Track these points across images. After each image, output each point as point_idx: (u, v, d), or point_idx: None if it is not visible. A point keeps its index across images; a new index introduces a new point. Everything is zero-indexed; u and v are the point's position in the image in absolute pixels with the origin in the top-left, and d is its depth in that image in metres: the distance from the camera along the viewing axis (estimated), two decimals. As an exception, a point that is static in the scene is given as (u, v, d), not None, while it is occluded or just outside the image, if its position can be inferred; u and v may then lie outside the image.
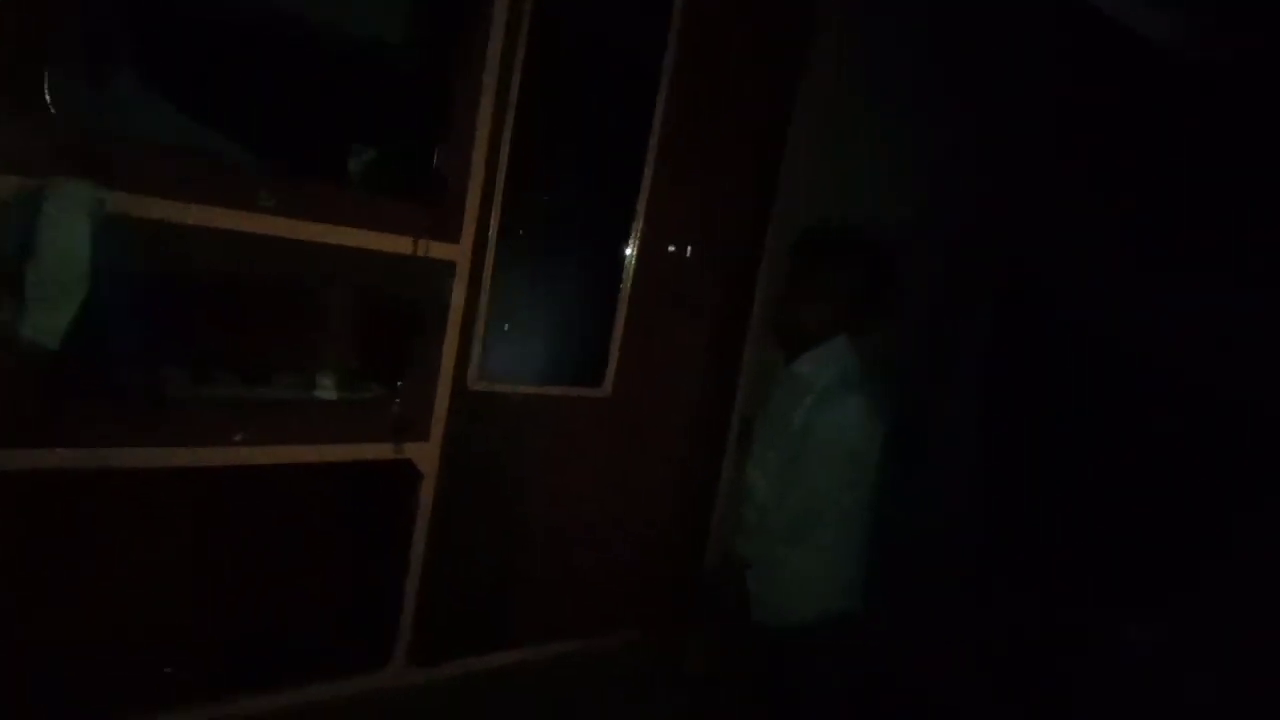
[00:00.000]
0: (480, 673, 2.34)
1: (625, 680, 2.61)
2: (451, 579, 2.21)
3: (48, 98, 1.52)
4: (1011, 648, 2.95)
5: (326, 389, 1.96)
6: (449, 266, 2.04)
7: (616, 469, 2.54)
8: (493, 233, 2.10)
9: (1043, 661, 2.86)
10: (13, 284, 1.49)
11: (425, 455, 2.09)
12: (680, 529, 2.75)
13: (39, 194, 1.49)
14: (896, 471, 2.13)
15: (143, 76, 1.80)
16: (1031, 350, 3.19)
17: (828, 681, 2.33)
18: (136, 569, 2.10)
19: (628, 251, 2.41)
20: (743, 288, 2.70)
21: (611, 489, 2.54)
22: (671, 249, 2.51)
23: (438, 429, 2.10)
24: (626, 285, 2.41)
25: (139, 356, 1.76)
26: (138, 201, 1.60)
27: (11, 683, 1.73)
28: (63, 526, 1.92)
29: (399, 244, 1.94)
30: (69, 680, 1.82)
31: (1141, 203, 2.97)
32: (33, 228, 1.48)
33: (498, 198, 2.09)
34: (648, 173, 2.38)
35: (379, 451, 2.02)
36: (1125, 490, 2.92)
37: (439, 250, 2.01)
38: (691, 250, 2.55)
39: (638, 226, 2.40)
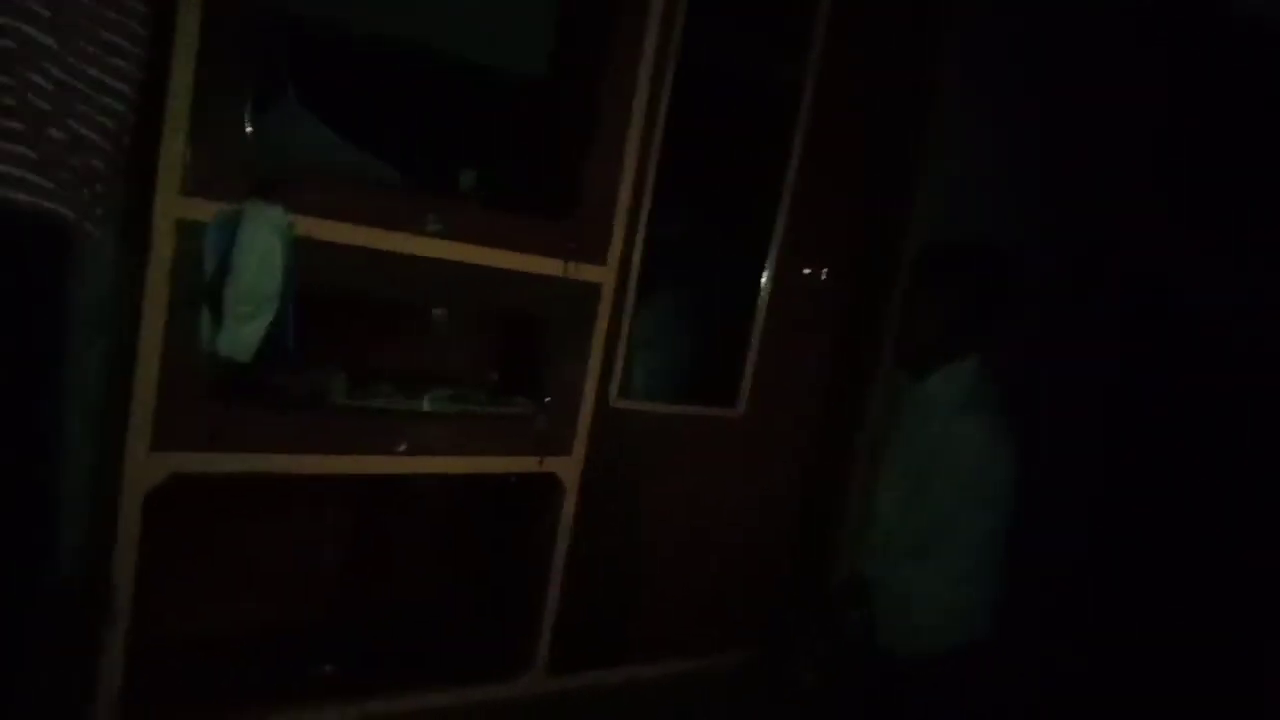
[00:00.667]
0: (609, 685, 2.38)
1: (741, 698, 2.61)
2: (587, 591, 2.26)
3: (248, 128, 1.64)
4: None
5: (478, 403, 2.04)
6: (595, 289, 2.10)
7: (746, 488, 2.55)
8: (637, 256, 2.16)
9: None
10: (213, 302, 1.62)
11: (568, 469, 2.15)
12: (806, 549, 2.75)
13: (237, 217, 1.61)
14: (1025, 494, 2.07)
15: (306, 105, 1.93)
16: (1167, 363, 3.05)
17: (949, 714, 2.28)
18: (295, 568, 2.25)
19: (764, 274, 2.43)
20: (875, 309, 2.68)
21: (740, 507, 2.56)
22: (806, 271, 2.51)
23: (580, 445, 2.16)
24: (762, 307, 2.43)
25: (308, 368, 1.88)
26: (317, 225, 1.71)
27: (165, 674, 1.85)
28: (228, 526, 2.08)
29: (549, 266, 2.01)
30: (219, 672, 1.96)
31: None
32: (231, 248, 1.61)
33: (642, 222, 2.15)
34: (785, 197, 2.40)
35: (525, 464, 2.08)
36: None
37: (587, 273, 2.07)
38: (826, 273, 2.55)
39: (774, 249, 2.42)
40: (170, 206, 1.58)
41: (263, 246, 1.61)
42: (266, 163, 1.65)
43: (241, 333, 1.62)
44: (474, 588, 2.31)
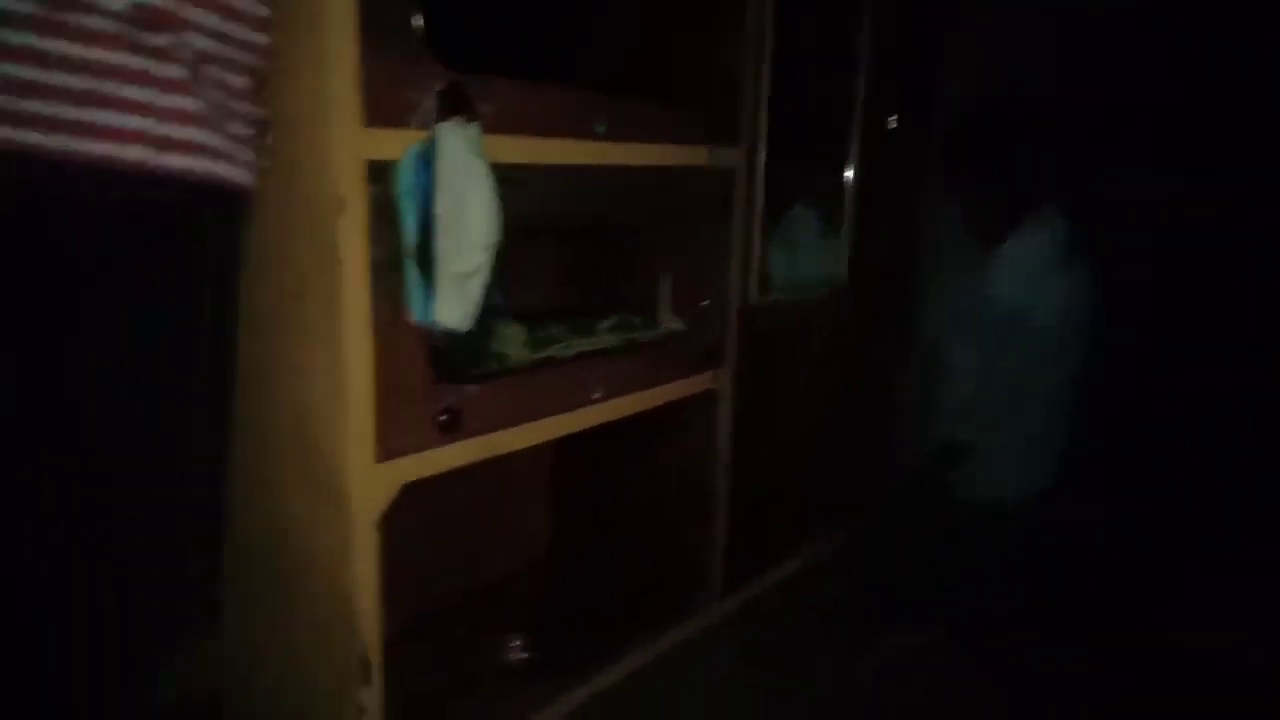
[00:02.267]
0: (772, 587, 2.29)
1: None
2: (746, 501, 2.12)
3: (424, 41, 1.25)
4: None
5: (644, 329, 1.79)
6: (730, 175, 1.86)
7: (859, 363, 2.46)
8: (762, 135, 1.92)
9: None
10: (423, 260, 1.25)
11: (722, 380, 1.96)
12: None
13: (429, 147, 1.24)
14: (1098, 351, 2.14)
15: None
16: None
17: (1016, 552, 2.38)
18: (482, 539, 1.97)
19: (850, 147, 2.26)
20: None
21: (852, 384, 2.48)
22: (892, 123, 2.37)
23: (730, 350, 1.96)
24: (852, 172, 2.28)
25: (484, 319, 1.54)
26: (493, 142, 1.36)
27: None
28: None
29: (695, 155, 1.75)
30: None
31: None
32: (432, 187, 1.24)
33: (764, 98, 1.91)
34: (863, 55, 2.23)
35: (701, 384, 1.87)
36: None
37: (724, 157, 1.82)
38: (894, 120, 2.40)
39: (858, 109, 2.25)
40: (353, 143, 1.18)
41: (478, 180, 1.25)
42: (450, 77, 1.27)
43: (463, 294, 1.28)
44: (656, 526, 2.09)
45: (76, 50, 0.88)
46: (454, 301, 1.27)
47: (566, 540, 2.19)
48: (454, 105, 1.27)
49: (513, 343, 1.55)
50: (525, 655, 1.82)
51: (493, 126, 1.34)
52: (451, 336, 1.33)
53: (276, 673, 1.50)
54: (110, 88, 0.90)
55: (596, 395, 1.62)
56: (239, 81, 1.05)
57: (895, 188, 2.47)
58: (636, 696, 1.83)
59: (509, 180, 1.39)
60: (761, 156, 1.93)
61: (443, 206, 1.24)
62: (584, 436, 1.74)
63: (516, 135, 1.40)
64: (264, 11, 1.07)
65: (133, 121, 0.91)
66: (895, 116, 2.35)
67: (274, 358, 1.32)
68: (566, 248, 1.99)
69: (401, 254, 1.25)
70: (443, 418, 1.34)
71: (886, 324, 2.58)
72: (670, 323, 1.87)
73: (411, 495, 1.35)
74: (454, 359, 1.37)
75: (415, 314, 1.28)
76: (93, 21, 0.88)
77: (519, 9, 1.79)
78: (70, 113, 0.88)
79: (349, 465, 1.25)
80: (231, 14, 1.01)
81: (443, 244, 1.25)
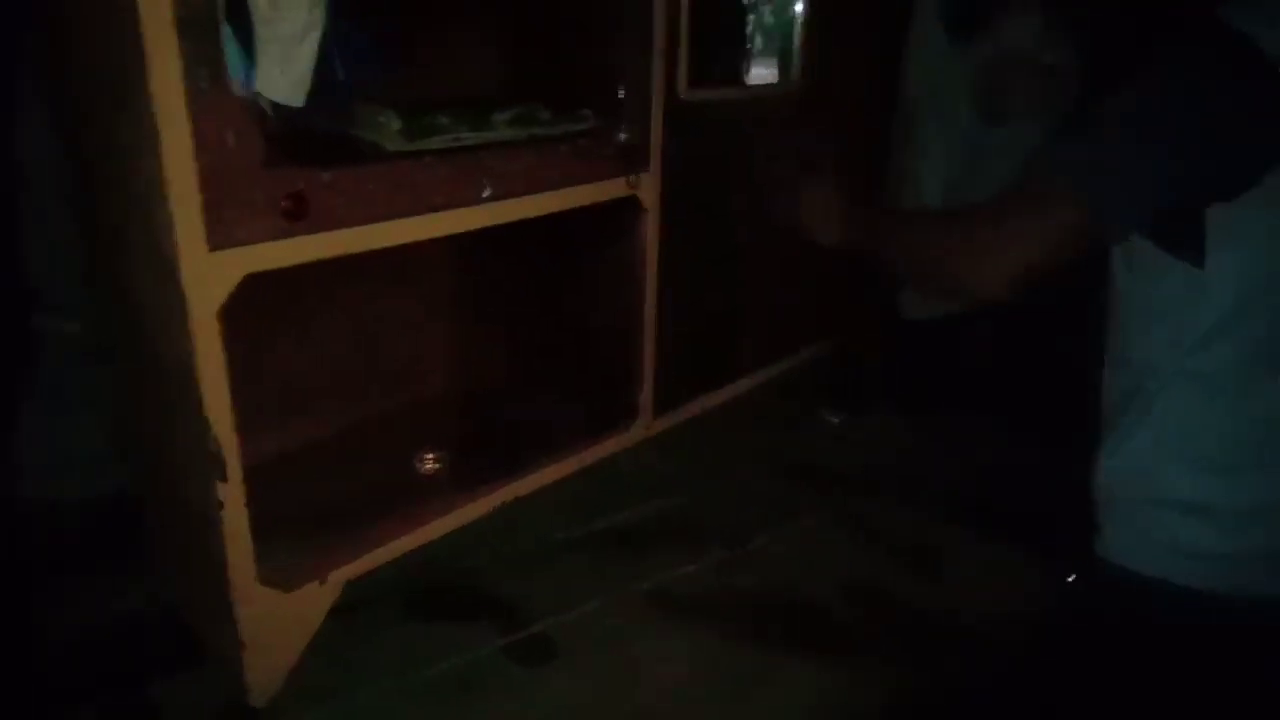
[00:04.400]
0: (712, 411, 2.23)
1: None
2: (679, 319, 2.02)
3: None
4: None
5: (548, 123, 1.64)
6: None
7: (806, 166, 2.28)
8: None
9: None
10: (236, 19, 1.11)
11: (647, 186, 1.82)
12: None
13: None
14: None
15: None
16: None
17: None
18: (374, 354, 1.92)
19: None
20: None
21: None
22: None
23: (655, 153, 1.81)
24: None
25: (347, 100, 1.41)
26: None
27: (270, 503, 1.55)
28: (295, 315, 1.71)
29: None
30: (321, 487, 1.66)
31: None
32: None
33: None
34: None
35: (615, 189, 1.73)
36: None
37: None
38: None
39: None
40: None
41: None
42: None
43: (289, 60, 1.14)
44: (574, 341, 2.02)
45: None
46: (277, 68, 1.14)
47: (490, 357, 2.12)
48: None
49: (385, 131, 1.41)
50: (437, 467, 1.79)
51: None
52: (296, 112, 1.21)
53: (170, 473, 1.47)
54: None
55: (486, 194, 1.50)
56: None
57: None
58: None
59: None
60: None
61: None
62: (498, 244, 1.64)
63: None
64: None
65: None
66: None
67: (112, 139, 1.21)
68: (483, 27, 1.80)
69: (215, 9, 1.11)
70: (285, 204, 1.23)
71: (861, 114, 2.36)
72: (581, 120, 1.70)
73: (307, 302, 1.27)
74: (300, 138, 1.25)
75: (238, 85, 1.15)
76: None
77: None
78: None
79: (181, 254, 1.16)
80: None
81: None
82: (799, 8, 2.06)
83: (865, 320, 2.52)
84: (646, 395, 2.00)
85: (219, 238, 1.18)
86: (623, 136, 1.72)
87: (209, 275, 1.18)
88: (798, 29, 2.07)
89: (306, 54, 1.14)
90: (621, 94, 1.70)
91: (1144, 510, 0.95)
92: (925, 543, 1.97)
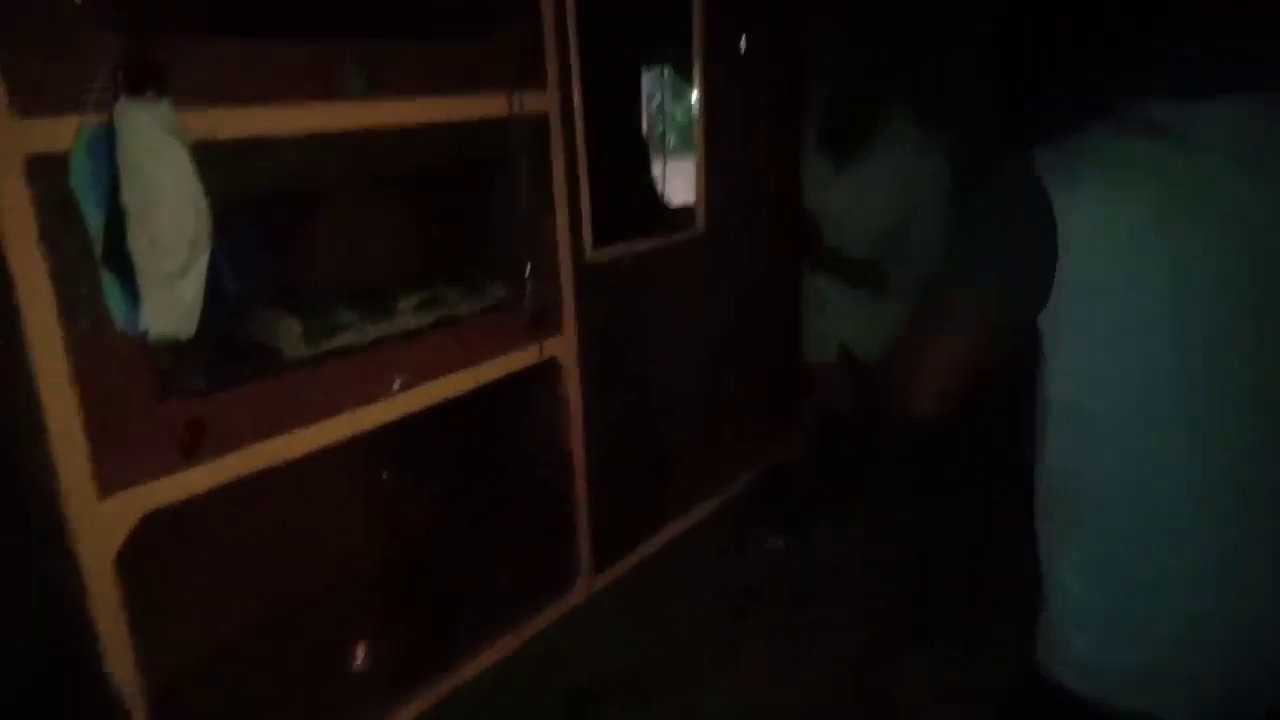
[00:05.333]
0: (650, 556, 2.18)
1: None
2: (610, 472, 1.99)
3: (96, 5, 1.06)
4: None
5: (454, 303, 1.63)
6: (542, 121, 1.68)
7: (716, 310, 2.30)
8: (575, 74, 1.74)
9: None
10: (116, 261, 1.08)
11: (563, 347, 1.81)
12: (779, 355, 2.58)
13: (108, 132, 1.06)
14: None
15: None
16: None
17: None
18: (300, 548, 1.82)
19: (694, 94, 2.08)
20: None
21: (715, 333, 2.32)
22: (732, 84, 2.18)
23: (569, 315, 1.81)
24: (699, 125, 2.10)
25: (248, 311, 1.38)
26: (210, 118, 1.18)
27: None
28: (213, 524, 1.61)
29: (495, 106, 1.57)
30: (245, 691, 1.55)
31: None
32: (115, 178, 1.06)
33: (572, 36, 1.71)
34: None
35: (527, 358, 1.72)
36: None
37: (531, 103, 1.64)
38: (745, 41, 2.21)
39: (698, 66, 2.06)
40: (4, 138, 1.00)
41: (173, 165, 1.07)
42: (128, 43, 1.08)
43: (173, 297, 1.11)
44: (509, 512, 1.96)
45: None
46: (163, 305, 1.10)
47: (419, 531, 2.05)
48: (140, 79, 1.09)
49: (285, 337, 1.38)
50: (368, 663, 1.70)
51: (207, 97, 1.16)
52: (184, 344, 1.17)
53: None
54: None
55: (397, 386, 1.47)
56: None
57: (753, 113, 2.28)
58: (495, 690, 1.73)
59: (244, 156, 1.23)
60: (577, 100, 1.74)
61: (131, 199, 1.07)
62: (416, 426, 1.59)
63: (242, 105, 1.21)
64: None
65: None
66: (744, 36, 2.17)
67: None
68: (375, 217, 1.81)
69: (90, 258, 1.08)
70: (185, 434, 1.18)
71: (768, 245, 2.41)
72: (489, 295, 1.70)
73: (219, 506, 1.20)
74: (190, 369, 1.21)
75: (121, 322, 1.11)
76: None
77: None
78: None
79: (68, 504, 1.10)
80: None
81: (137, 241, 1.08)
82: (698, 155, 2.12)
83: (797, 439, 2.52)
84: (584, 552, 1.95)
85: (111, 482, 1.12)
86: (531, 305, 1.72)
87: (100, 523, 1.12)
88: (697, 173, 2.12)
89: (192, 287, 1.11)
90: (529, 268, 1.70)
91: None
92: (873, 665, 1.91)
